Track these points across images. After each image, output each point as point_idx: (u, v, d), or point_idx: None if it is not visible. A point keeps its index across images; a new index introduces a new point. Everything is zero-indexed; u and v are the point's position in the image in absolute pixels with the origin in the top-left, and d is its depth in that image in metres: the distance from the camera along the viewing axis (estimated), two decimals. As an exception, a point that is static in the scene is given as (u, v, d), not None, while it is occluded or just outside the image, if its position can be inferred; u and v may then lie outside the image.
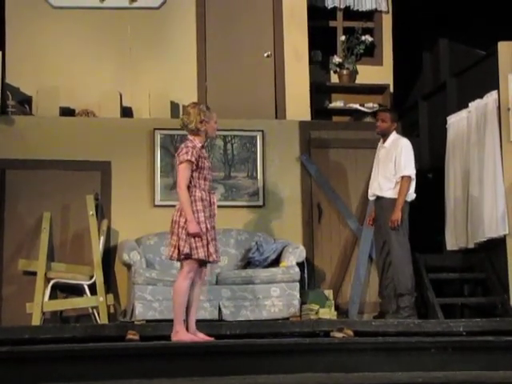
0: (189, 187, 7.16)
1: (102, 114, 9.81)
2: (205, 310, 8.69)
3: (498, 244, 9.21)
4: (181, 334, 7.08)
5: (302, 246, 9.40)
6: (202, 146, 7.32)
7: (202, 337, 7.16)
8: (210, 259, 7.20)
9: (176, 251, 7.14)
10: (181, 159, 7.14)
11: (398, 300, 8.69)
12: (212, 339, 7.16)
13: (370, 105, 10.68)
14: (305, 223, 9.83)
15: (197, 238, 7.07)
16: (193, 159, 7.13)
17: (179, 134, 9.67)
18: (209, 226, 7.17)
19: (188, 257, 7.10)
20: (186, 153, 7.14)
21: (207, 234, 7.14)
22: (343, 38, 10.97)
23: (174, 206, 9.56)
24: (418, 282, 9.06)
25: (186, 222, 7.08)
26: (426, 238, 9.77)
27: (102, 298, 8.90)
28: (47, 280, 8.92)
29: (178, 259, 7.22)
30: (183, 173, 7.13)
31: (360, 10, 11.11)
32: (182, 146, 7.26)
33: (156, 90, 9.93)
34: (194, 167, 7.15)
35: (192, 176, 7.16)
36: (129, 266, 8.94)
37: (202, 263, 7.28)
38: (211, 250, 7.16)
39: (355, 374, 6.27)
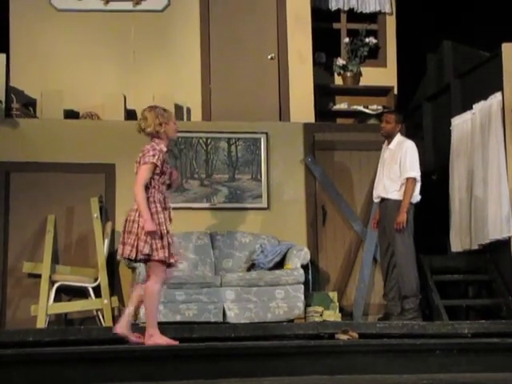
0: (148, 188, 7.12)
1: (106, 116, 9.82)
2: (209, 312, 8.70)
3: (502, 246, 9.20)
4: (156, 338, 6.99)
5: (306, 248, 9.39)
6: (167, 151, 7.29)
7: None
8: (171, 260, 7.11)
9: (134, 250, 7.00)
10: (146, 160, 7.09)
11: (402, 302, 8.69)
12: (176, 343, 7.03)
13: (374, 107, 10.68)
14: (309, 225, 9.83)
15: (157, 240, 7.00)
16: (158, 163, 7.12)
17: (183, 136, 9.70)
18: (167, 228, 7.12)
19: (148, 258, 7.02)
20: (154, 155, 7.11)
21: (167, 235, 7.08)
22: (347, 39, 10.97)
23: (178, 208, 9.65)
24: (423, 283, 9.04)
25: None
26: (431, 240, 9.76)
27: (106, 301, 8.91)
28: (52, 282, 8.93)
29: (136, 259, 7.12)
30: (145, 173, 7.08)
31: (364, 11, 11.11)
32: (149, 147, 7.19)
33: (160, 92, 9.93)
34: (158, 171, 7.13)
35: (154, 178, 7.13)
36: (133, 269, 8.94)
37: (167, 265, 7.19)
38: (172, 251, 7.10)
39: (360, 376, 6.26)
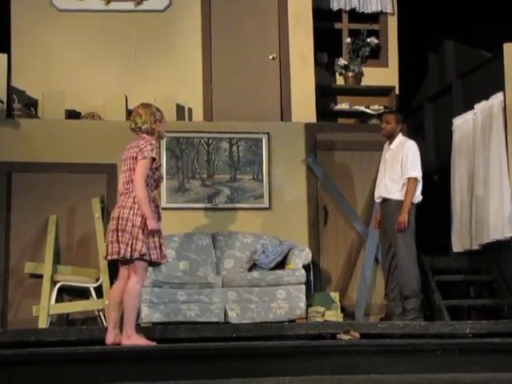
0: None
1: (108, 116, 9.83)
2: (211, 313, 8.70)
3: (504, 246, 9.20)
4: (134, 339, 6.91)
5: (307, 248, 9.39)
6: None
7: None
8: (163, 261, 7.05)
9: (129, 250, 6.84)
10: (145, 155, 6.93)
11: (404, 302, 8.68)
12: (154, 344, 6.95)
13: (376, 107, 10.68)
14: (311, 225, 9.83)
15: (150, 239, 6.89)
16: (157, 158, 7.03)
17: (185, 136, 9.72)
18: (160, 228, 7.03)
19: (141, 258, 6.87)
20: (152, 150, 6.96)
21: (160, 236, 6.99)
22: (349, 40, 10.98)
23: (179, 208, 9.66)
24: (424, 284, 9.04)
25: (142, 221, 6.85)
26: (432, 240, 9.76)
27: (108, 301, 8.89)
28: (53, 283, 8.93)
29: (130, 259, 6.91)
30: (145, 169, 6.92)
31: (365, 11, 11.12)
32: (144, 142, 7.03)
33: (162, 92, 9.92)
34: (155, 166, 7.02)
35: (147, 175, 6.97)
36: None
37: (150, 265, 7.13)
38: (164, 252, 7.03)
39: (361, 377, 6.26)
